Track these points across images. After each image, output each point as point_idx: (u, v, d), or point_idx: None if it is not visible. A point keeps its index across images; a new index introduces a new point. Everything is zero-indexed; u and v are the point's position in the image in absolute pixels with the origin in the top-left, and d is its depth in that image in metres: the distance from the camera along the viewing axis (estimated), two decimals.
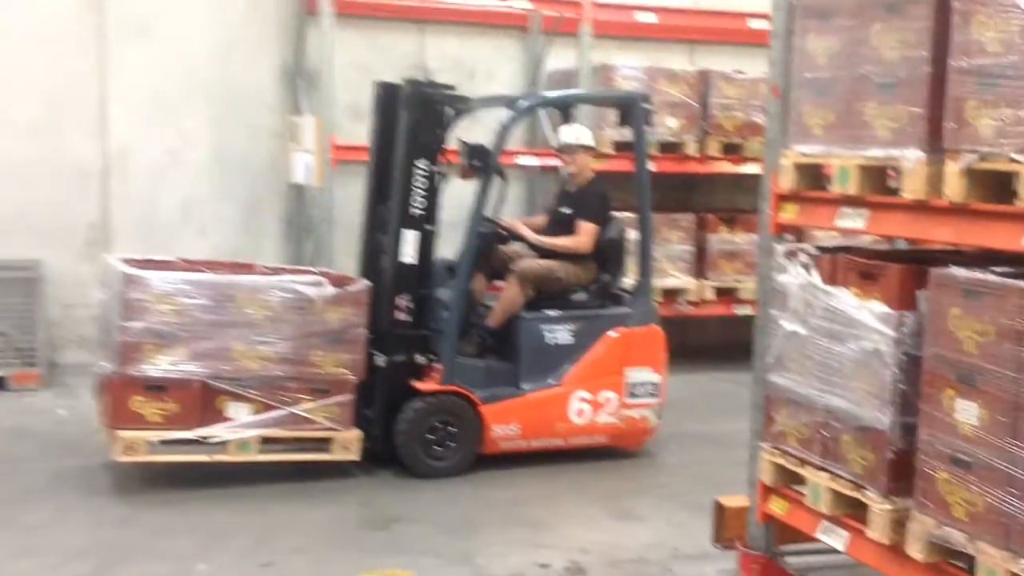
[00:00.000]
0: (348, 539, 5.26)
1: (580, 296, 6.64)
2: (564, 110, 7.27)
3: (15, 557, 4.89)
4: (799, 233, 5.29)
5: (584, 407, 6.43)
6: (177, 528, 5.29)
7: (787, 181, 4.29)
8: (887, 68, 3.82)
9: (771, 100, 4.52)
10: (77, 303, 8.33)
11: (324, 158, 8.28)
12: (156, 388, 5.62)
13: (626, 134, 8.74)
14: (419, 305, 6.27)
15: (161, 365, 5.61)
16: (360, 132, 8.75)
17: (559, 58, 9.46)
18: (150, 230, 8.75)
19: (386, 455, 6.12)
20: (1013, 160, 3.30)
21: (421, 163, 6.22)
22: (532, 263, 6.54)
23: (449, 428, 6.14)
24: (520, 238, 6.63)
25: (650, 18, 9.40)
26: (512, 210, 9.72)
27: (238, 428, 5.74)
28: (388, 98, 6.54)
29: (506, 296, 6.45)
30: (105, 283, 6.08)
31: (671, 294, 9.16)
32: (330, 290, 5.91)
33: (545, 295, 6.51)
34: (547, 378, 6.39)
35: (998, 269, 3.47)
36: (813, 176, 4.24)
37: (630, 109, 6.86)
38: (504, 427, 6.25)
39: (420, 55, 9.44)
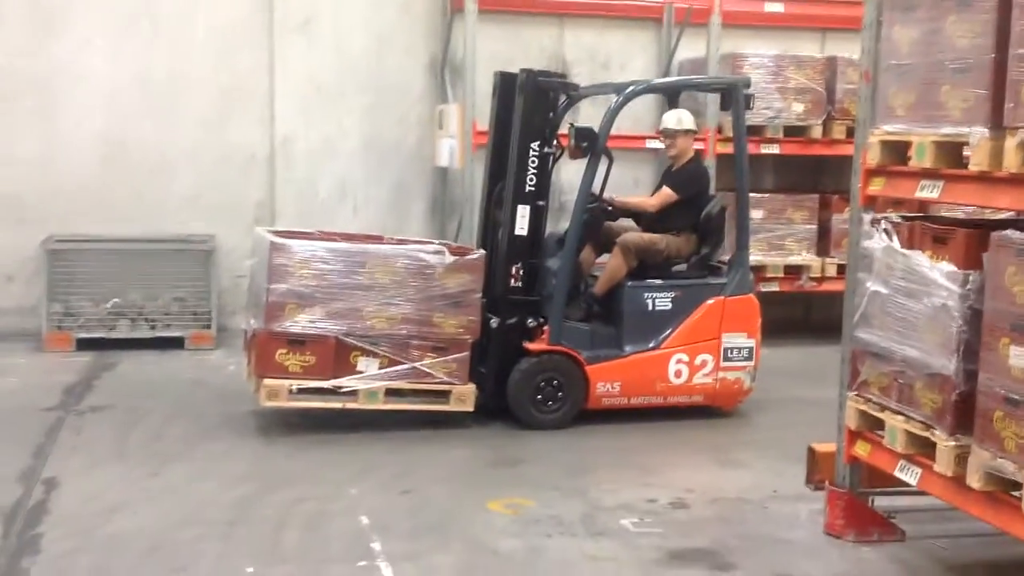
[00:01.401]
0: (478, 475, 5.97)
1: (680, 267, 7.18)
2: (670, 96, 7.76)
3: (196, 480, 5.72)
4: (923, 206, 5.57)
5: (682, 368, 6.96)
6: (330, 461, 6.07)
7: (874, 157, 4.78)
8: (959, 55, 4.28)
9: (862, 84, 5.00)
10: (245, 274, 9.24)
11: (467, 143, 8.99)
12: (297, 342, 6.31)
13: (751, 118, 9.32)
14: (530, 273, 6.86)
15: (301, 322, 6.30)
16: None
17: (690, 48, 9.97)
18: (309, 209, 9.64)
19: (498, 408, 6.76)
20: None
21: (534, 145, 6.81)
22: (635, 235, 7.11)
23: (556, 384, 6.73)
24: (611, 203, 7.14)
25: (778, 8, 9.81)
26: (644, 191, 10.34)
27: (367, 379, 6.41)
28: (506, 87, 7.15)
29: (611, 265, 7.04)
30: (255, 252, 6.88)
31: (795, 271, 9.61)
32: (449, 258, 6.52)
33: (647, 265, 7.07)
34: (648, 341, 6.94)
35: None
36: (898, 152, 4.71)
37: (731, 94, 7.30)
38: (607, 385, 6.83)
39: (558, 47, 10.09)
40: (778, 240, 9.59)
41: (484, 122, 9.13)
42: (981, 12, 4.17)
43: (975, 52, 4.19)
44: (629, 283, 7.01)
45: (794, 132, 9.58)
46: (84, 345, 8.66)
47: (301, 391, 6.36)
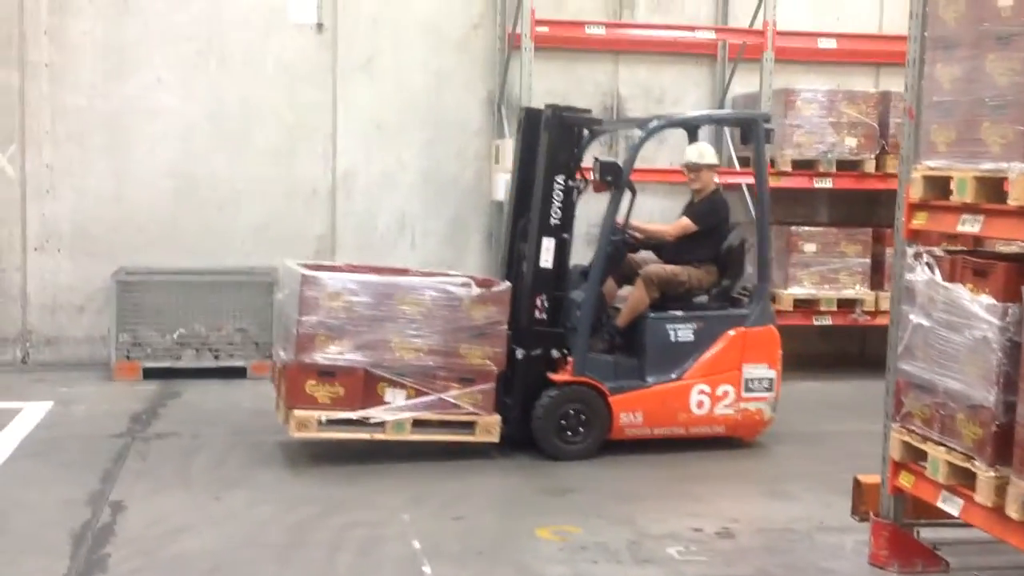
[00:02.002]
0: (527, 503, 6.10)
1: (702, 299, 7.28)
2: (693, 130, 7.84)
3: (255, 505, 5.91)
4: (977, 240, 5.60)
5: (704, 399, 7.04)
6: (383, 488, 6.23)
7: (917, 192, 4.86)
8: (998, 92, 4.37)
9: (906, 121, 5.09)
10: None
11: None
12: (327, 374, 6.40)
13: (804, 153, 9.44)
14: (555, 305, 6.96)
15: (331, 354, 6.39)
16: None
17: (744, 83, 10.08)
18: (369, 242, 9.89)
19: (522, 439, 6.85)
20: None
21: (559, 178, 6.94)
22: (657, 267, 7.23)
23: (580, 415, 6.82)
24: (632, 228, 7.28)
25: (831, 44, 9.89)
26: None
27: (394, 410, 6.49)
28: (531, 122, 7.29)
29: (633, 297, 7.15)
30: (283, 284, 7.03)
31: (848, 304, 9.63)
32: (476, 290, 6.62)
33: (669, 297, 7.17)
34: (670, 372, 7.04)
35: None
36: (940, 187, 4.79)
37: (751, 128, 7.43)
38: (630, 415, 6.92)
39: (613, 83, 10.26)
40: (832, 274, 9.63)
41: None
42: (1019, 50, 4.26)
43: (1014, 90, 4.28)
44: (652, 315, 7.11)
45: (847, 166, 9.64)
46: (151, 374, 8.95)
47: (330, 422, 6.45)
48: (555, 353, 6.96)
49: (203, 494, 6.07)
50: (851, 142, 9.59)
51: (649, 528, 5.63)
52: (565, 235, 7.02)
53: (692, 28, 9.94)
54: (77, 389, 8.56)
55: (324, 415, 6.42)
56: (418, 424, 6.56)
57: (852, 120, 9.58)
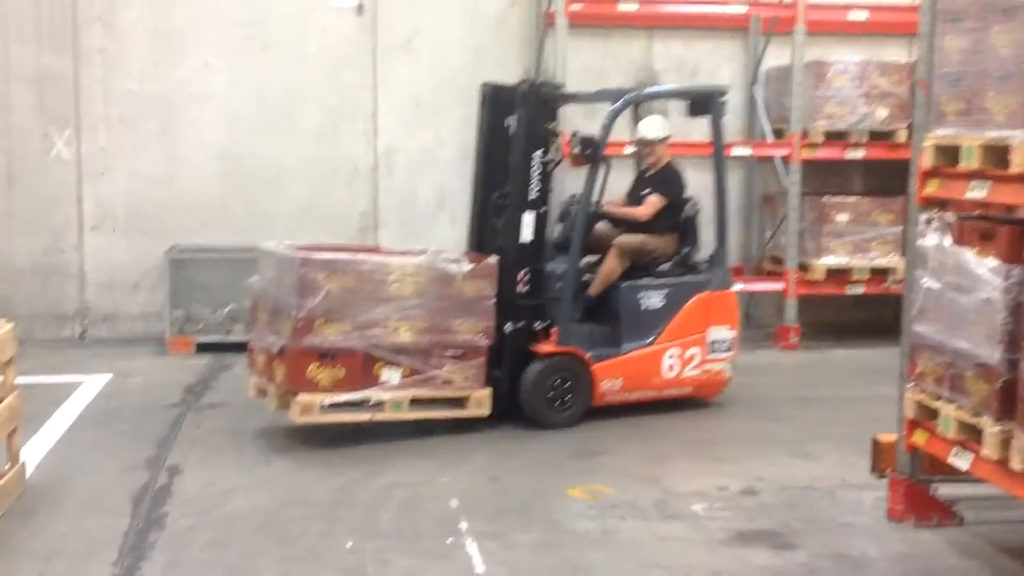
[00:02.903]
0: (560, 465, 6.36)
1: (664, 266, 7.54)
2: (638, 106, 8.03)
3: (301, 468, 6.22)
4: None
5: (674, 362, 7.34)
6: (422, 452, 6.51)
7: (929, 160, 5.05)
8: (1002, 63, 4.54)
9: (919, 92, 5.27)
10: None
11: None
12: (328, 356, 6.37)
13: (835, 124, 9.59)
14: (535, 278, 7.13)
15: (331, 336, 6.36)
16: (591, 127, 9.89)
17: (777, 56, 10.22)
18: (410, 217, 10.19)
19: (510, 410, 6.96)
20: None
21: (537, 153, 7.09)
22: (629, 238, 7.44)
23: (566, 384, 7.03)
24: (609, 214, 7.56)
25: (862, 16, 9.98)
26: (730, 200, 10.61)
27: (392, 390, 6.53)
28: (496, 97, 7.39)
29: (607, 267, 7.36)
30: (267, 267, 6.84)
31: (881, 273, 9.79)
32: (468, 266, 6.69)
33: (637, 266, 7.43)
34: (643, 338, 7.30)
35: None
36: (950, 155, 4.95)
37: (709, 101, 7.71)
38: (610, 382, 7.16)
39: (647, 58, 10.45)
40: (865, 243, 9.78)
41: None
42: (1022, 23, 4.42)
43: (1016, 61, 4.45)
44: (624, 283, 7.35)
45: (879, 137, 9.77)
46: (203, 348, 9.32)
47: (332, 405, 6.45)
48: (537, 325, 7.14)
49: (253, 458, 6.40)
50: (882, 113, 9.72)
51: (676, 487, 5.89)
52: (543, 209, 7.16)
53: (724, 2, 10.06)
54: (133, 363, 8.95)
55: (328, 398, 6.42)
56: (414, 402, 6.63)
57: (883, 91, 9.70)
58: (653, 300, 7.38)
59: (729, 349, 7.55)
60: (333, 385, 6.42)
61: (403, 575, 4.76)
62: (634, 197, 7.81)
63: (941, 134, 4.96)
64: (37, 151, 9.73)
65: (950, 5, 4.94)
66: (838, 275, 9.84)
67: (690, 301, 7.44)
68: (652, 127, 7.77)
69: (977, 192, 4.75)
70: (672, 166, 7.82)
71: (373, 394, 6.51)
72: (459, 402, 6.78)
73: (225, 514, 5.49)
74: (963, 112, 4.80)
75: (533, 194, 7.12)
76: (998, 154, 4.58)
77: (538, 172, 7.12)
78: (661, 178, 7.71)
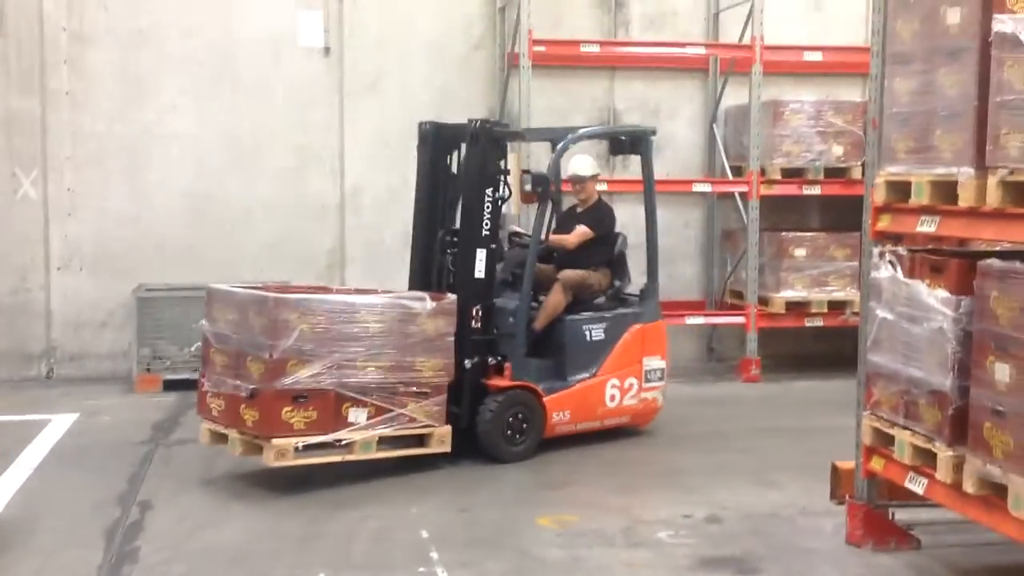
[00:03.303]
0: (527, 496, 6.49)
1: (601, 300, 7.77)
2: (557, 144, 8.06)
3: (273, 501, 6.30)
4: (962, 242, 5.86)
5: (615, 392, 7.60)
6: (392, 485, 6.61)
7: (880, 196, 5.25)
8: (949, 103, 4.76)
9: (870, 131, 5.49)
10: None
11: (520, 188, 9.53)
12: (300, 398, 6.28)
13: (792, 162, 9.82)
14: (487, 313, 7.22)
15: (303, 377, 6.27)
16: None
17: (736, 95, 10.47)
18: (376, 255, 10.31)
19: (465, 446, 6.97)
20: None
21: (489, 191, 7.21)
22: (572, 273, 7.64)
23: (521, 418, 7.14)
24: (546, 243, 7.78)
25: (816, 56, 10.26)
26: (693, 232, 10.86)
27: (361, 430, 6.47)
28: (437, 135, 7.47)
29: (552, 301, 7.54)
30: (223, 308, 6.64)
31: (839, 306, 10.02)
32: (430, 304, 6.71)
33: (577, 300, 7.64)
34: (587, 370, 7.51)
35: None
36: (901, 191, 5.16)
37: (640, 141, 8.06)
38: (560, 414, 7.33)
39: (609, 98, 10.67)
40: (823, 277, 10.02)
41: (539, 168, 9.77)
42: (966, 65, 4.64)
43: (961, 101, 4.67)
44: (568, 317, 7.54)
45: (835, 173, 10.03)
46: (171, 386, 9.34)
47: (305, 448, 6.39)
48: (490, 360, 7.22)
49: (224, 494, 6.47)
50: (838, 150, 9.98)
51: (642, 515, 6.02)
52: (494, 245, 7.29)
53: (683, 44, 10.33)
54: (101, 401, 8.97)
55: (300, 441, 6.34)
56: (380, 441, 6.62)
57: (838, 129, 9.98)
58: (595, 333, 7.59)
59: (661, 378, 7.84)
60: (306, 427, 6.35)
61: None
62: (564, 232, 7.96)
63: (892, 171, 5.17)
64: (4, 191, 9.77)
65: (899, 48, 5.17)
66: (797, 308, 10.07)
67: (626, 333, 7.69)
68: (583, 164, 7.99)
69: (927, 227, 4.95)
70: (602, 201, 8.09)
71: (344, 435, 6.47)
72: (420, 439, 6.80)
73: (197, 548, 5.56)
74: (913, 150, 5.01)
75: (485, 231, 7.22)
76: (947, 190, 4.79)
77: (489, 209, 7.23)
78: (591, 214, 7.92)
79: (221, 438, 6.66)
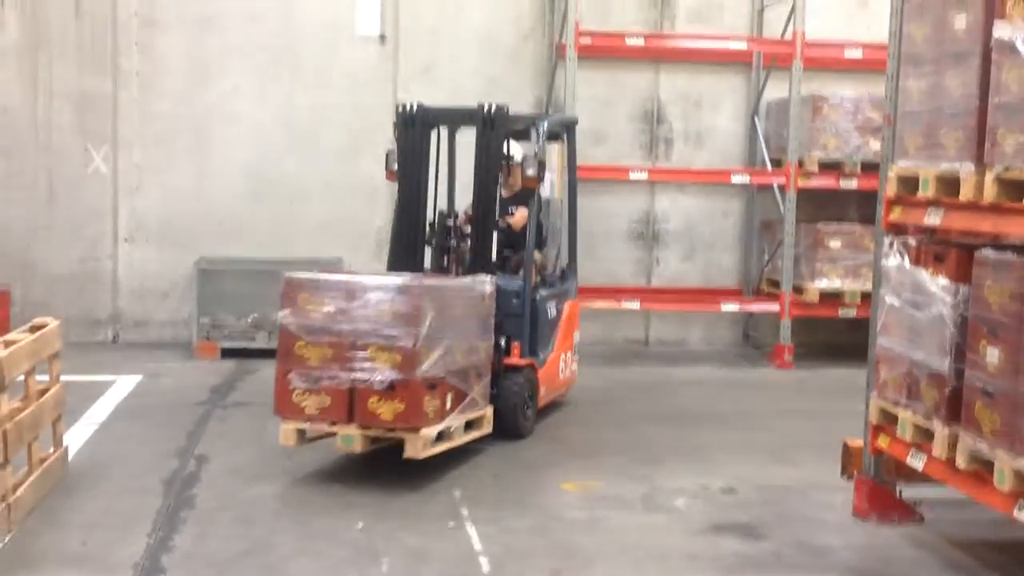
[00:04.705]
0: (558, 464, 6.89)
1: (549, 276, 8.19)
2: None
3: (320, 461, 6.73)
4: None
5: (564, 365, 8.10)
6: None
7: (892, 189, 5.57)
8: (954, 103, 5.08)
9: (885, 127, 5.81)
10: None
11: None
12: (433, 386, 6.19)
13: (830, 155, 10.12)
14: (501, 295, 7.29)
15: (433, 365, 6.18)
16: (597, 154, 10.50)
17: (777, 89, 10.75)
18: None
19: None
20: None
21: (500, 175, 7.48)
22: (538, 254, 7.87)
23: (528, 395, 7.41)
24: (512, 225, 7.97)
25: (856, 52, 10.51)
26: (732, 222, 11.16)
27: (456, 416, 6.47)
28: (423, 120, 7.58)
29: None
30: (321, 297, 6.29)
31: (868, 297, 10.23)
32: (490, 286, 6.84)
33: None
34: (548, 345, 7.87)
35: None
36: (911, 185, 5.49)
37: (570, 129, 8.56)
38: (543, 388, 7.68)
39: (653, 89, 11.00)
40: (857, 268, 10.27)
41: (583, 157, 10.07)
42: (970, 67, 4.96)
43: (965, 100, 4.98)
44: (537, 295, 7.72)
45: (871, 168, 10.22)
46: (228, 353, 9.87)
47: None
48: (502, 340, 7.40)
49: (274, 451, 6.92)
50: (875, 145, 10.19)
51: (663, 484, 6.40)
52: (502, 227, 7.65)
53: (725, 38, 10.62)
54: (162, 365, 9.53)
55: (433, 429, 6.26)
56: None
57: (876, 124, 10.18)
58: (552, 310, 7.96)
59: (577, 351, 8.38)
60: (434, 416, 6.26)
61: (409, 552, 5.28)
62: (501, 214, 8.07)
63: (903, 165, 5.49)
64: (76, 166, 10.35)
65: (912, 50, 5.49)
66: (831, 298, 10.33)
67: (566, 308, 8.18)
68: (518, 152, 8.06)
69: (933, 218, 5.27)
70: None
71: (451, 421, 6.44)
72: (470, 422, 6.74)
73: (249, 497, 6.03)
74: (922, 146, 5.34)
75: (497, 215, 7.55)
76: (951, 184, 5.11)
77: (498, 193, 7.56)
78: (525, 196, 7.95)
79: (316, 436, 6.45)
